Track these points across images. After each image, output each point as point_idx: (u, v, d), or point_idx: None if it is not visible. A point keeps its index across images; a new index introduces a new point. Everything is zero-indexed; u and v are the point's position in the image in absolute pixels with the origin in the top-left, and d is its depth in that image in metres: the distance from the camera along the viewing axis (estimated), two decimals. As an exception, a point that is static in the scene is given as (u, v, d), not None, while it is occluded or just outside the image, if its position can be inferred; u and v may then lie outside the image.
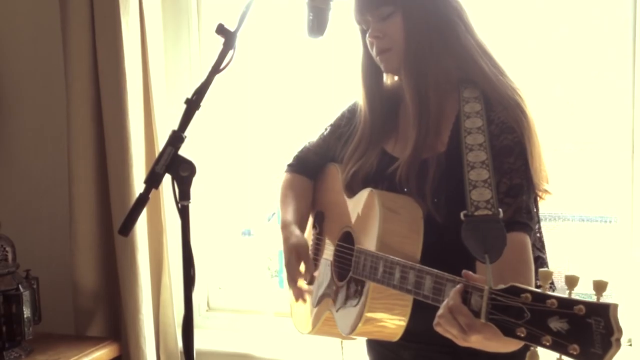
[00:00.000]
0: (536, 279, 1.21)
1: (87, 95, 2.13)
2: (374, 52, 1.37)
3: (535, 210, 1.31)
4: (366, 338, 1.52)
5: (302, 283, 1.51)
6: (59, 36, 2.17)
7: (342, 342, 1.60)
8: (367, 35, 1.36)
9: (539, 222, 1.35)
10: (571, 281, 0.90)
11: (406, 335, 1.30)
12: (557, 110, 2.13)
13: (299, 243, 1.48)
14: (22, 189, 2.42)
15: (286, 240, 1.50)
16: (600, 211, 2.12)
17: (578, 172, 2.11)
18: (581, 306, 0.88)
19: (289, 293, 1.64)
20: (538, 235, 1.35)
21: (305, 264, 1.47)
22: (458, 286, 1.06)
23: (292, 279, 1.48)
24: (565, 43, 2.08)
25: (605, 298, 0.90)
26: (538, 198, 1.33)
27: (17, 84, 2.42)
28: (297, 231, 1.51)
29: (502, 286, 0.99)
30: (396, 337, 1.31)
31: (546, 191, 1.32)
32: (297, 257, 1.46)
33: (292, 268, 1.47)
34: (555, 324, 0.90)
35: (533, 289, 0.95)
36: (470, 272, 1.08)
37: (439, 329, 1.09)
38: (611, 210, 2.05)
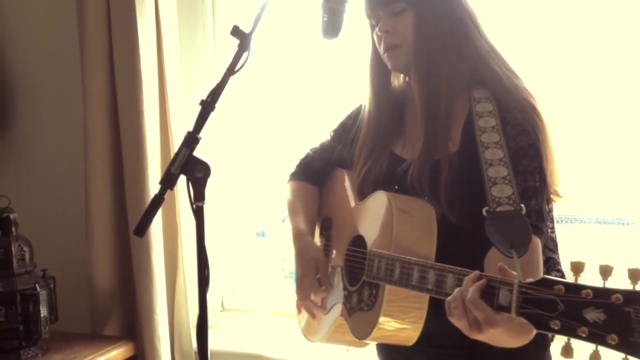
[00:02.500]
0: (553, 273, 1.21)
1: (103, 97, 2.15)
2: (381, 49, 1.36)
3: (548, 211, 1.30)
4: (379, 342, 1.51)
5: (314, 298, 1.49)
6: (75, 38, 2.19)
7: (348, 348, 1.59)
8: (377, 29, 1.35)
9: (552, 222, 1.34)
10: (605, 271, 0.89)
11: (420, 339, 1.29)
12: (575, 112, 2.11)
13: (318, 257, 1.46)
14: (39, 189, 2.45)
15: (302, 250, 1.47)
16: (617, 213, 2.09)
17: (595, 174, 2.09)
18: (618, 295, 0.86)
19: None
20: (552, 235, 1.34)
21: (323, 280, 1.45)
22: (481, 281, 1.04)
23: (306, 294, 1.46)
24: (583, 44, 2.07)
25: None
26: (551, 202, 1.32)
27: (34, 85, 2.45)
28: (314, 243, 1.50)
29: (531, 280, 0.97)
30: (412, 342, 1.29)
31: (557, 194, 1.31)
32: (315, 271, 1.44)
33: (308, 282, 1.44)
34: (591, 315, 0.88)
35: (566, 280, 0.94)
36: (506, 268, 1.05)
37: (452, 319, 1.08)
38: (628, 212, 2.02)
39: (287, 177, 1.65)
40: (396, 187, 1.36)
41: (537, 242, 1.21)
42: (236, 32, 1.27)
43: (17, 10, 2.45)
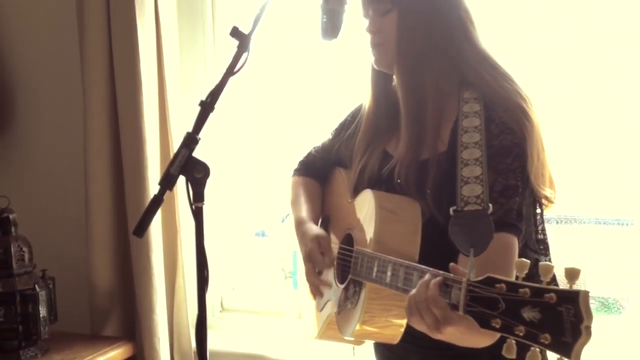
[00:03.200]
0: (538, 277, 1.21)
1: (103, 97, 2.15)
2: (369, 46, 1.39)
3: (535, 214, 1.30)
4: (374, 342, 1.52)
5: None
6: (75, 38, 2.19)
7: (354, 347, 1.60)
8: (365, 28, 1.38)
9: (543, 224, 1.34)
10: (572, 274, 0.88)
11: (411, 339, 1.29)
12: (575, 112, 2.11)
13: (321, 234, 1.47)
14: (39, 190, 2.45)
15: (304, 234, 1.48)
16: (616, 214, 2.09)
17: (594, 174, 2.09)
18: (552, 294, 0.86)
19: (302, 292, 1.64)
20: (542, 238, 1.34)
21: (326, 255, 1.44)
22: (437, 278, 1.06)
23: (313, 271, 1.46)
24: (583, 44, 2.07)
25: (622, 301, 0.89)
26: (543, 206, 1.32)
27: (34, 86, 2.45)
28: (315, 226, 1.51)
29: (479, 278, 0.98)
30: (396, 340, 1.30)
31: (548, 199, 1.31)
32: (318, 247, 1.44)
33: (315, 258, 1.44)
34: (528, 314, 0.89)
35: (508, 279, 0.94)
36: (458, 266, 1.07)
37: (413, 320, 1.09)
38: (628, 213, 2.02)
39: (290, 173, 1.67)
40: (384, 185, 1.37)
41: (513, 241, 1.21)
42: (236, 33, 1.27)
43: (17, 10, 2.45)
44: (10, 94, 2.46)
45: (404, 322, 1.27)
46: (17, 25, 2.45)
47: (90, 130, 2.16)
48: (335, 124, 1.61)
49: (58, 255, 2.29)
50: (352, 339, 1.37)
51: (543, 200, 1.31)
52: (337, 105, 2.25)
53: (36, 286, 1.99)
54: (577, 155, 2.07)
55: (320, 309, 1.52)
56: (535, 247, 1.33)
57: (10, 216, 2.01)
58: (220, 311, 2.45)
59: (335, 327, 1.42)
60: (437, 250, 1.23)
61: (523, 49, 2.04)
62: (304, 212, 1.54)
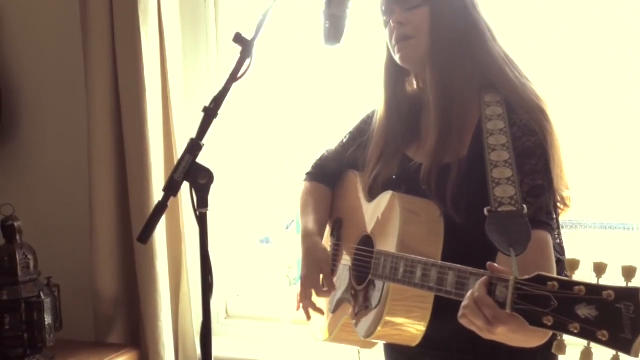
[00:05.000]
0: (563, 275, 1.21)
1: (107, 104, 2.15)
2: (392, 42, 1.37)
3: (555, 215, 1.30)
4: (384, 345, 1.51)
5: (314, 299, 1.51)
6: (79, 45, 2.20)
7: (359, 350, 1.59)
8: (390, 21, 1.36)
9: (559, 228, 1.34)
10: (599, 268, 0.89)
11: (425, 342, 1.29)
12: (577, 114, 2.10)
13: (323, 258, 1.48)
14: (44, 197, 2.46)
15: (309, 252, 1.49)
16: (622, 218, 2.09)
17: (599, 178, 2.08)
18: (610, 291, 0.87)
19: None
20: (558, 241, 1.34)
21: (326, 280, 1.47)
22: (484, 278, 1.06)
23: (308, 293, 1.48)
24: (583, 44, 2.07)
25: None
26: (559, 210, 1.32)
27: (39, 93, 2.46)
28: (321, 244, 1.51)
29: (527, 276, 0.98)
30: (415, 342, 1.30)
31: (565, 202, 1.32)
32: (319, 272, 1.46)
33: (312, 282, 1.46)
34: (583, 311, 0.89)
35: (560, 277, 0.94)
36: (495, 264, 1.07)
37: (463, 321, 1.09)
38: (634, 217, 2.02)
39: (303, 176, 1.68)
40: (404, 187, 1.37)
41: (548, 238, 1.22)
42: (238, 39, 1.28)
43: (21, 18, 2.46)
44: (15, 102, 2.47)
45: (425, 324, 1.27)
46: (21, 32, 2.46)
47: (94, 137, 2.17)
48: (350, 127, 1.61)
49: (63, 263, 2.29)
50: (370, 340, 1.36)
51: (559, 204, 1.32)
52: (340, 112, 2.25)
53: (41, 294, 1.99)
54: (581, 159, 2.07)
55: (333, 310, 1.52)
56: (557, 248, 1.34)
57: (15, 224, 2.01)
58: (225, 318, 2.44)
59: (350, 328, 1.42)
60: (453, 250, 1.24)
61: (523, 49, 2.03)
62: (311, 223, 1.55)
